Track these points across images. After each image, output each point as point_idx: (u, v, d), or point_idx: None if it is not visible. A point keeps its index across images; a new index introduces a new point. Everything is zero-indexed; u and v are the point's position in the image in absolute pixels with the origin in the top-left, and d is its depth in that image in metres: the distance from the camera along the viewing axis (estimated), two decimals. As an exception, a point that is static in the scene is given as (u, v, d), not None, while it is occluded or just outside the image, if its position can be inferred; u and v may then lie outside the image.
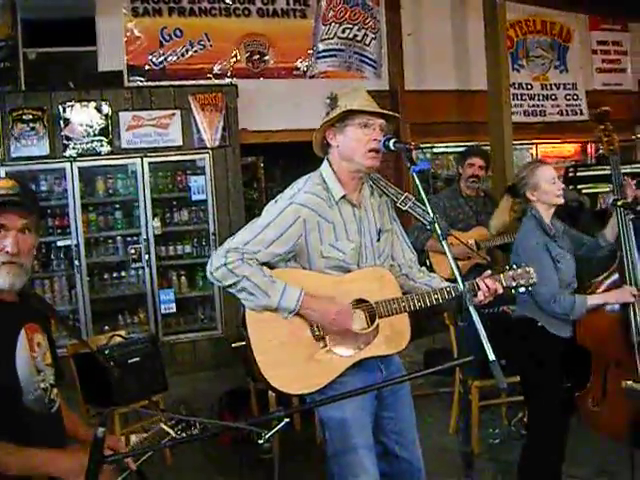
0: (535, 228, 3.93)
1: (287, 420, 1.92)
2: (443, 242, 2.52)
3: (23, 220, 2.40)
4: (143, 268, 7.85)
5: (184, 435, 2.58)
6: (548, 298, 3.76)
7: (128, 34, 8.30)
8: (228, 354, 6.25)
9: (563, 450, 3.96)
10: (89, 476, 1.89)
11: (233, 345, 4.63)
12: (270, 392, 4.19)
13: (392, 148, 2.88)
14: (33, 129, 7.40)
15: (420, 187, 2.65)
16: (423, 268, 3.34)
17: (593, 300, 3.85)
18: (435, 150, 9.87)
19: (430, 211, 2.64)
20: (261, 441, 1.88)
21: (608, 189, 5.06)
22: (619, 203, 3.96)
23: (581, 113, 10.32)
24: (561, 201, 3.97)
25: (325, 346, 2.94)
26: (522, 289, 3.16)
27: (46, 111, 7.45)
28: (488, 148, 7.65)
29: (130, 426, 5.05)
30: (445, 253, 2.53)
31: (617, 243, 4.03)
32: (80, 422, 2.80)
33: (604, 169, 4.19)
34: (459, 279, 2.50)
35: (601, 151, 4.36)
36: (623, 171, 4.26)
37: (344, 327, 2.92)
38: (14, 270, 2.38)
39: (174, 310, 7.92)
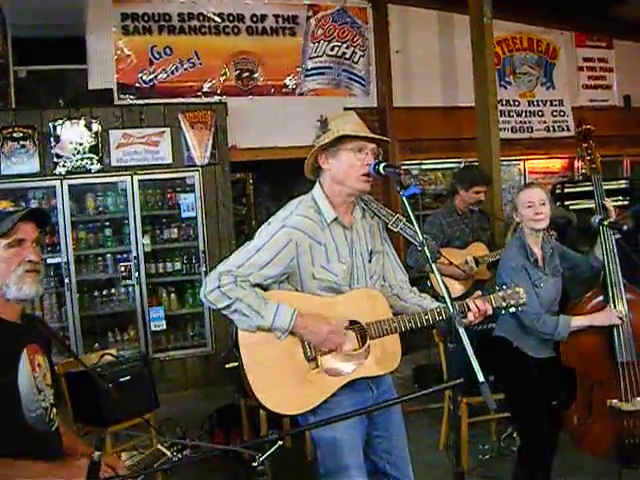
0: (517, 250, 4.00)
1: (280, 443, 1.95)
2: (433, 265, 2.56)
3: (37, 232, 2.49)
4: (133, 285, 7.84)
5: (180, 456, 2.61)
6: (532, 317, 3.82)
7: (118, 52, 8.35)
8: (218, 371, 6.27)
9: (549, 466, 4.01)
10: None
11: (227, 366, 4.66)
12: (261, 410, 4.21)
13: (382, 172, 2.91)
14: (23, 147, 7.41)
15: (410, 212, 2.69)
16: (414, 288, 3.36)
17: (578, 322, 3.89)
18: (423, 167, 9.92)
19: (419, 234, 2.68)
20: (255, 464, 1.91)
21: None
22: (605, 223, 4.01)
23: (568, 129, 10.39)
24: (538, 226, 4.00)
25: (317, 367, 2.97)
26: (512, 309, 3.19)
27: (36, 129, 7.47)
28: (477, 164, 7.70)
29: (122, 444, 5.06)
30: (434, 274, 2.58)
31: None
32: (77, 441, 2.83)
33: (591, 185, 4.24)
34: (448, 301, 2.54)
35: (584, 170, 4.42)
36: (608, 187, 4.31)
37: (336, 346, 2.96)
38: (37, 278, 2.46)
39: (164, 327, 7.91)
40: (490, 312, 3.08)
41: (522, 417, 4.07)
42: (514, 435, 5.26)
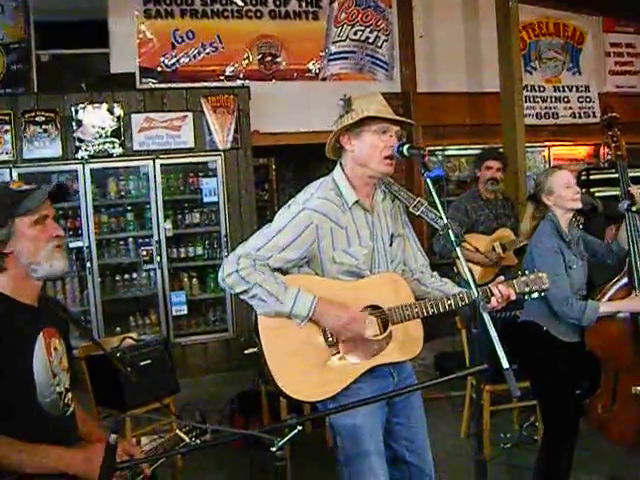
0: (551, 232, 3.92)
1: (300, 428, 1.92)
2: (457, 249, 2.51)
3: (54, 209, 2.50)
4: (155, 270, 7.85)
5: (198, 442, 2.59)
6: (561, 300, 3.75)
7: (140, 36, 8.33)
8: (239, 356, 6.26)
9: (572, 453, 3.95)
10: (102, 480, 1.89)
11: (245, 352, 4.63)
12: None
13: (406, 154, 2.86)
14: (45, 131, 7.42)
15: (434, 193, 2.64)
16: (435, 273, 3.31)
17: (606, 308, 3.82)
18: (447, 153, 9.85)
19: (443, 217, 2.63)
20: (274, 449, 1.88)
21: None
22: (634, 209, 3.95)
23: (594, 115, 10.26)
24: (577, 205, 3.96)
25: (338, 353, 2.93)
26: (535, 294, 3.14)
27: (58, 113, 7.48)
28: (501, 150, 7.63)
29: (141, 428, 5.06)
30: (458, 257, 2.54)
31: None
32: (94, 426, 2.82)
33: (617, 172, 4.19)
34: (473, 286, 2.50)
35: (609, 156, 4.36)
36: (634, 174, 4.26)
37: (357, 334, 2.91)
38: (64, 253, 2.48)
39: (185, 312, 7.93)
40: (513, 297, 3.02)
41: (549, 403, 4.00)
42: (536, 424, 5.22)
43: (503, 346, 2.29)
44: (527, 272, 3.16)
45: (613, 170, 4.33)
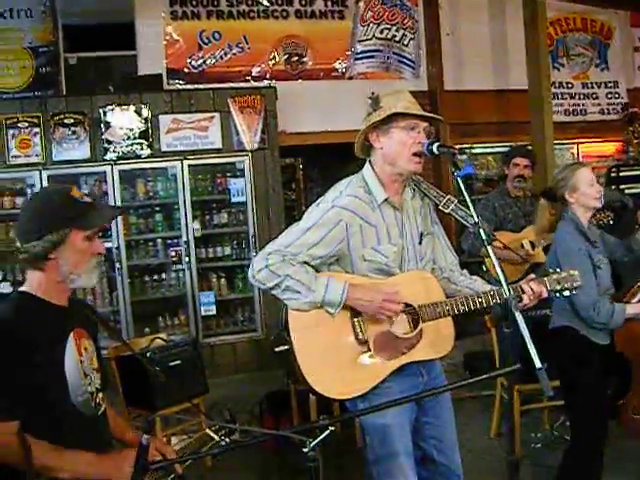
0: (575, 232, 3.85)
1: (332, 429, 1.91)
2: (488, 247, 2.50)
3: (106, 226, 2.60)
4: (183, 270, 7.89)
5: (227, 440, 2.59)
6: (588, 305, 3.68)
7: (167, 37, 8.38)
8: (268, 356, 6.27)
9: (602, 457, 3.89)
10: (135, 481, 1.90)
11: (276, 349, 4.63)
12: (311, 395, 4.18)
13: (436, 152, 2.85)
14: (74, 133, 7.48)
15: (465, 191, 2.63)
16: (465, 271, 3.29)
17: (632, 309, 3.77)
18: (474, 151, 9.82)
19: (474, 215, 2.62)
20: (306, 449, 1.88)
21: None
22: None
23: (622, 112, 10.16)
24: (599, 204, 3.90)
25: (368, 350, 2.92)
26: (566, 292, 3.10)
27: (87, 115, 7.53)
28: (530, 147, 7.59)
29: (171, 428, 5.08)
30: (490, 257, 2.52)
31: None
32: (126, 426, 2.84)
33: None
34: (504, 284, 2.48)
35: (631, 153, 4.31)
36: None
37: (393, 313, 2.89)
38: (99, 269, 2.54)
39: (214, 312, 7.95)
40: (545, 295, 3.00)
41: (583, 406, 3.86)
42: (567, 424, 5.16)
43: (534, 345, 2.27)
44: (558, 270, 3.13)
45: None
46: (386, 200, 3.00)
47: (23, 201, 7.01)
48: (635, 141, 4.08)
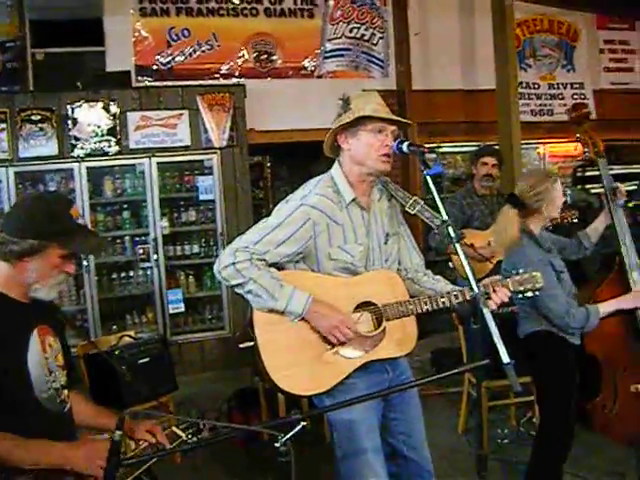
0: (530, 242, 3.86)
1: (304, 423, 1.93)
2: (457, 245, 2.53)
3: None
4: (151, 268, 7.86)
5: (195, 439, 2.60)
6: (563, 314, 3.71)
7: (136, 34, 8.32)
8: (236, 354, 6.25)
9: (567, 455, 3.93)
10: (107, 478, 1.91)
11: (241, 346, 4.64)
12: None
13: (406, 151, 2.88)
14: (41, 129, 7.41)
15: (435, 191, 2.65)
16: (428, 272, 3.32)
17: (606, 308, 3.79)
18: (442, 150, 9.87)
19: (444, 214, 2.65)
20: (278, 444, 1.89)
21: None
22: (631, 205, 3.96)
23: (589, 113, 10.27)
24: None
25: (332, 348, 2.95)
26: (529, 294, 3.12)
27: (54, 111, 7.46)
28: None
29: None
30: (459, 255, 2.55)
31: (615, 244, 4.02)
32: (98, 410, 2.85)
33: (611, 168, 4.17)
34: (473, 282, 2.51)
35: (586, 154, 4.33)
36: (634, 171, 4.27)
37: (344, 338, 2.90)
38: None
39: (182, 310, 7.92)
40: (506, 299, 2.99)
41: (556, 405, 3.87)
42: (534, 420, 5.23)
43: (502, 341, 2.31)
44: (520, 271, 3.14)
45: (611, 166, 4.31)
46: (354, 200, 3.03)
47: (26, 195, 6.98)
48: (591, 141, 4.10)
